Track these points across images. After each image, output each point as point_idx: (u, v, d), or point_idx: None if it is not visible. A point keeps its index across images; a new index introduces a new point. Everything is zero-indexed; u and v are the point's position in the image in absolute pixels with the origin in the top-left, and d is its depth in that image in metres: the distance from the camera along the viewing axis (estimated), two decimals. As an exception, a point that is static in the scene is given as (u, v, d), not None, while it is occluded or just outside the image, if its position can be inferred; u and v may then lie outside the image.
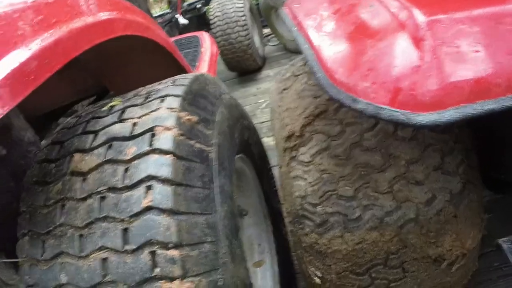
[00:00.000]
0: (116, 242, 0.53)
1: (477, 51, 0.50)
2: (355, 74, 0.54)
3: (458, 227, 0.75)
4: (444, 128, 0.68)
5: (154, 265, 0.51)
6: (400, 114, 0.49)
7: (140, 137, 0.59)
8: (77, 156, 0.64)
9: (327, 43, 0.63)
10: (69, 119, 0.86)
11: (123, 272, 0.52)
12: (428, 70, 0.50)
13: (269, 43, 3.25)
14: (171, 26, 2.53)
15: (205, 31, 2.94)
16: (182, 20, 2.48)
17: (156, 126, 0.59)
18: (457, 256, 0.75)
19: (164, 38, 1.06)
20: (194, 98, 0.69)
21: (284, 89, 0.90)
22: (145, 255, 0.52)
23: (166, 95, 0.66)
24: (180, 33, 2.67)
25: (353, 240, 0.71)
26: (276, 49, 3.21)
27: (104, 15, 0.74)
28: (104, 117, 0.69)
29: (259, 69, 2.81)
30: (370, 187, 0.71)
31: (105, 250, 0.55)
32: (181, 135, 0.59)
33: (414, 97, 0.49)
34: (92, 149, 0.63)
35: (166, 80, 0.78)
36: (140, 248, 0.52)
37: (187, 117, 0.63)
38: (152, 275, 0.51)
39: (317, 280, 0.79)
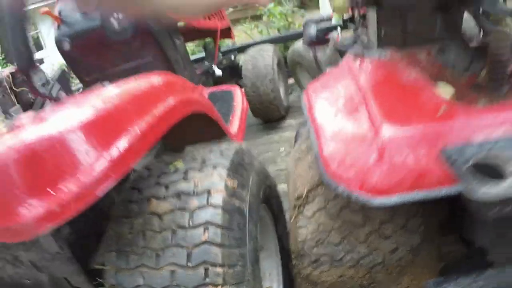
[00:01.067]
0: (182, 261, 0.86)
1: (418, 158, 0.82)
2: (340, 168, 0.86)
3: (416, 270, 1.06)
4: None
5: (206, 276, 0.84)
6: (364, 197, 0.81)
7: (201, 194, 0.92)
8: (154, 201, 0.97)
9: (327, 140, 0.96)
10: (140, 169, 1.20)
11: (185, 279, 0.85)
12: (383, 169, 0.82)
13: (293, 93, 3.61)
14: (207, 75, 2.87)
15: (237, 81, 3.33)
16: (218, 72, 2.81)
17: (211, 188, 0.93)
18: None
19: (210, 108, 1.41)
20: (236, 167, 1.03)
21: (299, 158, 1.23)
22: (200, 270, 0.84)
23: (217, 164, 1.00)
24: (215, 82, 3.04)
25: (337, 273, 1.02)
26: (299, 98, 3.56)
27: (172, 101, 1.08)
28: (172, 174, 1.03)
29: (282, 117, 3.14)
30: (352, 238, 1.02)
31: (174, 266, 0.87)
32: (227, 195, 0.92)
33: (373, 186, 0.81)
34: (165, 197, 0.97)
35: (215, 148, 1.12)
36: (198, 265, 0.84)
37: (231, 183, 0.96)
38: (204, 282, 0.84)
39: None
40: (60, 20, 2.08)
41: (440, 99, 0.91)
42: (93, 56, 2.14)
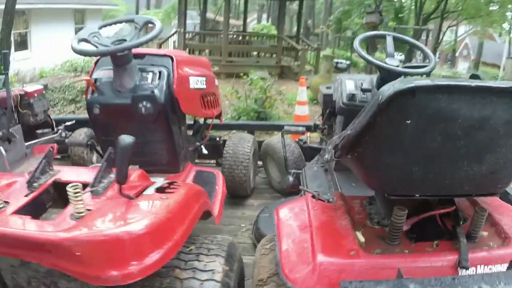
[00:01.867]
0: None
1: (332, 281, 1.47)
2: (290, 272, 1.50)
3: None
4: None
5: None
6: None
7: (208, 271, 1.54)
8: (177, 270, 1.57)
9: (284, 252, 1.61)
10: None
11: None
12: (314, 278, 1.47)
13: (259, 175, 4.28)
14: (195, 152, 3.47)
15: (216, 158, 3.96)
16: (205, 151, 3.38)
17: (214, 269, 1.55)
18: None
19: (209, 203, 2.04)
20: (228, 256, 1.66)
21: (263, 254, 1.86)
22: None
23: (218, 254, 1.63)
24: (199, 158, 3.67)
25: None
26: (263, 181, 4.23)
27: (197, 207, 1.73)
28: (188, 254, 1.64)
29: (247, 196, 3.80)
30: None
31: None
32: (223, 275, 1.55)
33: (306, 287, 1.45)
34: (184, 269, 1.57)
35: (215, 240, 1.75)
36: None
37: (225, 267, 1.59)
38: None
39: None
40: (96, 88, 2.55)
41: (355, 244, 1.58)
42: (115, 124, 2.57)
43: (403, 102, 1.29)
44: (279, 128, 4.03)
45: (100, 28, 2.48)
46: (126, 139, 1.60)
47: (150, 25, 2.50)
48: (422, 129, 1.35)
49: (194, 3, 21.63)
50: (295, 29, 24.26)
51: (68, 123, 4.09)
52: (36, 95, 3.87)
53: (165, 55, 2.68)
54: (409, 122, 1.33)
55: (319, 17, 31.14)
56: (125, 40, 2.38)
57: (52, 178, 1.89)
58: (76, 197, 1.48)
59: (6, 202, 1.67)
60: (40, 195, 1.81)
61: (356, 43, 2.44)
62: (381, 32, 2.64)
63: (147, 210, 1.52)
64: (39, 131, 4.02)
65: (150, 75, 2.54)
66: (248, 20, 23.08)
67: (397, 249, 1.59)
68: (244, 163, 3.50)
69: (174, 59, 2.64)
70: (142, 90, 2.48)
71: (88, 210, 1.55)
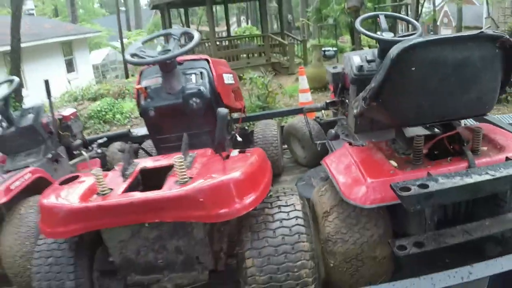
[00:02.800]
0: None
1: (383, 189, 2.06)
2: (350, 193, 2.10)
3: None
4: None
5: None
6: (360, 205, 2.02)
7: (290, 205, 2.05)
8: (266, 209, 2.08)
9: (341, 182, 2.20)
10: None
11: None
12: (369, 194, 2.06)
13: (285, 156, 4.87)
14: (230, 140, 4.00)
15: (248, 146, 4.53)
16: (239, 139, 3.73)
17: (294, 203, 2.11)
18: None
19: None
20: (299, 195, 2.26)
21: (321, 195, 2.45)
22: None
23: (293, 194, 2.17)
24: (234, 146, 4.25)
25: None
26: (289, 161, 4.81)
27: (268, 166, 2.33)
28: (269, 197, 2.22)
29: (279, 174, 4.36)
30: (351, 230, 2.23)
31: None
32: (301, 207, 2.11)
33: (364, 201, 2.03)
34: (272, 207, 2.07)
35: (286, 187, 2.31)
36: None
37: (302, 201, 2.18)
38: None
39: None
40: (147, 94, 2.97)
41: (391, 167, 2.19)
42: (169, 122, 2.99)
43: (407, 55, 1.92)
44: (298, 112, 4.62)
45: (143, 43, 3.01)
46: (222, 111, 2.18)
47: (185, 35, 3.04)
48: (423, 72, 1.98)
49: (174, 16, 22.22)
50: (275, 26, 24.92)
51: (100, 141, 4.38)
52: (72, 117, 4.17)
53: (200, 59, 3.24)
54: (413, 69, 1.94)
55: (297, 10, 31.79)
56: (169, 50, 2.85)
57: (138, 167, 2.35)
58: (181, 166, 1.96)
59: (110, 189, 2.03)
60: (134, 180, 2.19)
61: (358, 26, 3.05)
62: (374, 13, 3.26)
63: (239, 164, 2.10)
64: (76, 151, 4.42)
65: (193, 76, 3.07)
66: (229, 24, 23.64)
67: (422, 166, 2.19)
68: (274, 144, 4.09)
69: (210, 60, 3.21)
70: (190, 89, 2.97)
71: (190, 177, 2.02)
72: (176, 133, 2.94)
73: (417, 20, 19.08)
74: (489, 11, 22.13)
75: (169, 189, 1.93)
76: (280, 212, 2.06)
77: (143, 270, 2.12)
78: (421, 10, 18.46)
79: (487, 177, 1.89)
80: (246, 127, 4.41)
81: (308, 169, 4.28)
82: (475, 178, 1.88)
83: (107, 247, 2.08)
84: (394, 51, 1.92)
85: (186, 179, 1.96)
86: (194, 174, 2.08)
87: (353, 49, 15.42)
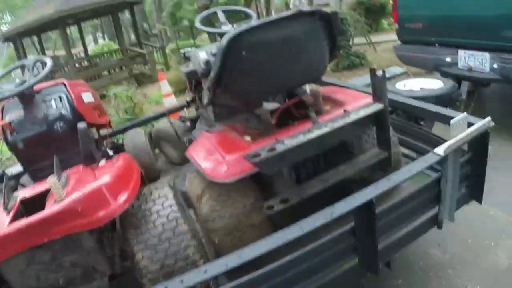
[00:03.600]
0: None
1: (241, 162, 2.33)
2: (211, 173, 2.33)
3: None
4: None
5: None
6: (223, 180, 2.26)
7: (162, 197, 2.30)
8: (142, 205, 2.30)
9: (204, 166, 2.43)
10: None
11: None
12: (229, 170, 2.31)
13: (161, 159, 4.99)
14: (102, 156, 4.06)
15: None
16: (111, 152, 3.83)
17: (166, 194, 2.32)
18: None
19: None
20: (171, 185, 2.44)
21: (191, 183, 2.66)
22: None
23: (164, 187, 2.40)
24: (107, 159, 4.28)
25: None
26: (165, 163, 4.90)
27: (136, 168, 2.47)
28: (143, 194, 2.38)
29: (158, 177, 4.43)
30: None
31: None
32: (172, 195, 2.32)
33: (225, 176, 2.27)
34: (148, 202, 2.31)
35: (157, 182, 2.50)
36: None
37: (172, 190, 2.37)
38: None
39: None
40: (12, 128, 2.99)
41: (246, 142, 2.47)
42: (40, 151, 3.03)
43: (235, 43, 2.20)
44: (162, 115, 4.78)
45: None
46: (81, 125, 2.28)
47: (37, 63, 3.09)
48: (254, 54, 2.27)
49: (29, 46, 20.94)
50: (133, 37, 24.60)
51: None
52: None
53: (57, 84, 3.30)
54: (244, 53, 2.23)
55: (152, 17, 31.61)
56: (25, 81, 2.94)
57: (18, 199, 2.39)
58: (56, 185, 2.10)
59: None
60: (16, 211, 2.27)
61: (198, 25, 3.29)
62: (212, 9, 3.51)
63: (108, 170, 2.25)
64: None
65: (53, 102, 3.14)
66: (85, 44, 22.83)
67: (272, 135, 2.49)
68: (145, 150, 4.21)
69: (66, 83, 3.27)
70: (52, 114, 3.06)
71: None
72: (49, 160, 2.98)
73: (268, 9, 20.27)
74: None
75: (50, 208, 2.03)
76: (155, 205, 2.28)
77: None
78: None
79: (326, 129, 2.24)
80: (116, 141, 4.46)
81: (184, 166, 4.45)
82: (316, 133, 2.21)
83: (8, 283, 2.14)
84: (223, 41, 2.19)
85: (63, 196, 2.09)
86: (70, 190, 2.22)
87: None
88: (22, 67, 3.14)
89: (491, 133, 2.53)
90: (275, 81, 2.44)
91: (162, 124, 4.61)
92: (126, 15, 21.12)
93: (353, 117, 2.35)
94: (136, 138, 4.32)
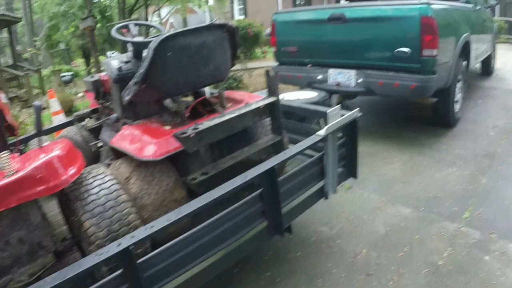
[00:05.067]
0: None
1: (168, 142, 2.81)
2: (142, 154, 2.77)
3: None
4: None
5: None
6: (150, 159, 2.71)
7: (101, 174, 2.69)
8: (84, 181, 2.67)
9: (129, 148, 2.86)
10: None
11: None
12: (155, 149, 2.78)
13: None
14: None
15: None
16: None
17: (103, 171, 2.72)
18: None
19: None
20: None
21: (118, 169, 3.06)
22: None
23: (101, 166, 2.79)
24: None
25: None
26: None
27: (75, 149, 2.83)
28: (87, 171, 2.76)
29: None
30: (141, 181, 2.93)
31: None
32: (110, 171, 2.73)
33: (151, 155, 2.75)
34: (88, 178, 2.68)
35: (97, 164, 2.88)
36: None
37: (108, 167, 2.77)
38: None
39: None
40: None
41: (167, 130, 2.96)
42: None
43: (163, 45, 2.72)
44: (69, 124, 4.98)
45: None
46: (36, 103, 2.57)
47: None
48: (176, 55, 2.80)
49: None
50: (8, 59, 23.33)
51: None
52: None
53: None
54: (169, 54, 2.75)
55: (23, 40, 30.13)
56: None
57: None
58: (7, 162, 2.27)
59: None
60: None
61: (115, 34, 3.69)
62: (125, 22, 3.92)
63: (56, 147, 2.51)
64: None
65: None
66: None
67: (188, 124, 3.00)
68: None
69: None
70: None
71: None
72: None
73: (147, 35, 20.85)
74: (211, 17, 25.21)
75: (8, 178, 2.15)
76: (96, 180, 2.57)
77: None
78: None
79: (234, 114, 2.86)
80: (21, 150, 4.58)
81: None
82: (227, 116, 2.83)
83: None
84: (154, 42, 2.70)
85: (13, 171, 2.26)
86: (20, 165, 2.37)
87: (89, 71, 15.90)
88: None
89: (360, 136, 3.40)
90: (191, 79, 2.99)
91: (66, 132, 4.79)
92: (3, 34, 20.09)
93: (253, 106, 2.99)
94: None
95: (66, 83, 16.48)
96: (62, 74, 16.60)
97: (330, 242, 3.79)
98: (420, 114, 7.29)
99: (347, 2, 8.53)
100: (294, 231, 3.45)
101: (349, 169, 3.50)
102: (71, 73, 17.74)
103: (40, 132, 2.88)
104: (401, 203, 4.34)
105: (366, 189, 4.73)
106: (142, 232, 2.11)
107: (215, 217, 2.41)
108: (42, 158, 2.32)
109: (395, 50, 5.40)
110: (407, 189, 4.68)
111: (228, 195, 2.42)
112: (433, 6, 5.21)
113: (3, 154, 2.31)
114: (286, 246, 3.76)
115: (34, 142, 4.59)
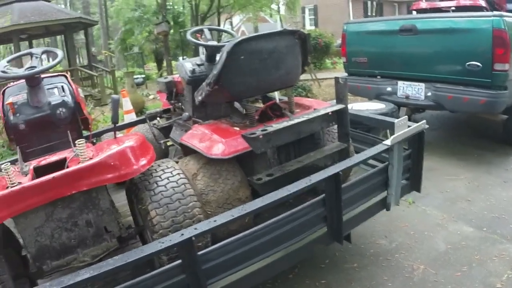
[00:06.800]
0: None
1: (237, 142, 2.91)
2: (209, 152, 2.87)
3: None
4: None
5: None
6: (220, 157, 2.82)
7: (170, 167, 2.82)
8: (153, 172, 2.82)
9: (201, 147, 2.97)
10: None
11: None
12: (225, 148, 2.88)
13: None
14: None
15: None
16: None
17: (173, 165, 2.85)
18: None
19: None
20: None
21: (186, 164, 3.19)
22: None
23: (170, 160, 2.93)
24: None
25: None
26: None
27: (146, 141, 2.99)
28: (156, 164, 2.91)
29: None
30: (213, 181, 3.03)
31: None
32: (178, 166, 2.86)
33: (222, 154, 2.83)
34: (157, 171, 2.83)
35: (165, 159, 3.04)
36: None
37: (177, 161, 2.90)
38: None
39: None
40: (15, 110, 3.11)
41: (237, 130, 3.06)
42: (39, 134, 3.20)
43: (237, 48, 2.82)
44: (141, 121, 5.22)
45: (8, 61, 3.23)
46: (115, 96, 2.74)
47: (44, 54, 3.43)
48: (248, 59, 2.90)
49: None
50: (82, 60, 24.64)
51: None
52: None
53: (59, 75, 3.61)
54: (242, 57, 2.85)
55: (98, 43, 31.72)
56: (34, 67, 3.15)
57: (31, 166, 2.59)
58: (83, 147, 2.40)
59: (19, 182, 2.25)
60: (33, 175, 2.43)
61: (189, 37, 3.87)
62: (200, 27, 4.06)
63: (130, 139, 2.67)
64: None
65: (56, 90, 3.39)
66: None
67: (257, 126, 3.08)
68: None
69: (67, 76, 3.65)
70: (55, 101, 3.28)
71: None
72: (45, 144, 3.23)
73: (219, 41, 21.32)
74: (283, 26, 25.48)
75: (84, 163, 2.28)
76: (165, 173, 2.69)
77: (58, 254, 2.35)
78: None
79: (302, 119, 2.91)
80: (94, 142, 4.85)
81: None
82: (296, 121, 2.88)
83: (20, 240, 2.37)
84: (228, 46, 2.81)
85: (90, 155, 2.41)
86: (92, 155, 2.52)
87: (161, 74, 16.47)
88: (30, 55, 3.43)
89: (426, 151, 3.32)
90: (262, 83, 3.06)
91: (138, 129, 5.05)
92: (80, 36, 21.26)
93: (321, 112, 3.02)
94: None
95: (138, 85, 17.21)
96: (134, 76, 17.33)
97: (388, 255, 3.75)
98: (490, 131, 7.14)
99: (418, 14, 8.37)
100: (353, 241, 3.43)
101: (413, 182, 3.45)
102: (143, 75, 18.50)
103: (115, 125, 3.00)
104: (463, 222, 4.24)
105: (429, 204, 4.63)
106: (205, 225, 2.19)
107: (277, 217, 2.47)
108: (116, 148, 2.45)
109: (466, 64, 5.24)
110: (471, 207, 4.54)
111: (291, 198, 2.46)
112: (506, 19, 5.01)
113: (79, 142, 2.45)
114: (343, 256, 3.75)
115: (106, 136, 4.85)
